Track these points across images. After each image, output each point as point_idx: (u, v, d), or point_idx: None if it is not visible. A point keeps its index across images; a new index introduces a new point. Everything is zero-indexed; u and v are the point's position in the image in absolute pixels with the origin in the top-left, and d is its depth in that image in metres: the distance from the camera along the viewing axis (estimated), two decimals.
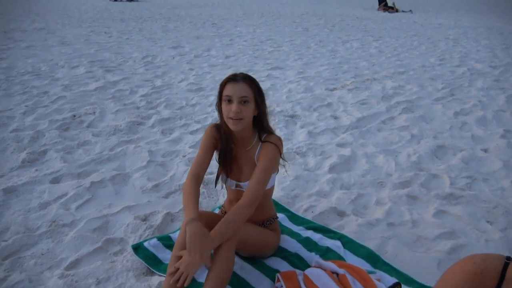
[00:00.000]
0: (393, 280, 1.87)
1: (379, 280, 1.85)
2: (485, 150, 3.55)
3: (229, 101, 1.74)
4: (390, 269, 2.01)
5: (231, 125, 1.75)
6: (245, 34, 9.98)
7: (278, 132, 3.80)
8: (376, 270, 1.99)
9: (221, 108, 1.80)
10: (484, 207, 2.64)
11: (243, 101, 1.73)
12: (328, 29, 11.46)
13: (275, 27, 11.57)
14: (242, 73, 1.80)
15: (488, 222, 2.50)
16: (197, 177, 1.79)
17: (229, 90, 1.74)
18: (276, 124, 4.01)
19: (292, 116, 4.28)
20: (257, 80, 1.86)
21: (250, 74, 1.84)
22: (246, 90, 1.73)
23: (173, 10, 15.65)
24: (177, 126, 3.96)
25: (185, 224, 1.59)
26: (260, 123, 1.87)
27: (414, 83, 5.72)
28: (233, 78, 1.76)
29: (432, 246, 2.25)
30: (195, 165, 1.83)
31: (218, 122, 1.91)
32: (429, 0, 28.34)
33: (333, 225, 2.43)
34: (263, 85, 5.16)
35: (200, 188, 1.90)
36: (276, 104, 4.63)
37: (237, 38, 9.32)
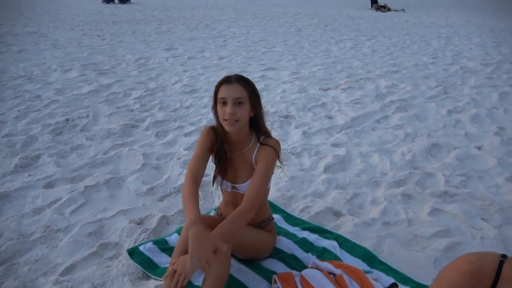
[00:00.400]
0: (390, 280, 1.87)
1: (376, 279, 1.85)
2: (479, 148, 3.57)
3: (224, 103, 1.73)
4: (387, 269, 2.01)
5: (226, 126, 1.74)
6: (238, 35, 9.97)
7: (273, 133, 3.78)
8: (373, 270, 1.99)
9: (216, 110, 1.79)
10: (479, 204, 2.65)
11: (237, 103, 1.72)
12: (321, 29, 11.49)
13: (268, 27, 11.58)
14: (236, 75, 1.79)
15: (483, 219, 2.51)
16: (195, 178, 1.74)
17: (223, 92, 1.73)
18: (271, 124, 4.00)
19: (286, 117, 4.28)
20: (251, 81, 1.85)
21: (244, 75, 1.84)
22: (240, 91, 1.72)
23: (166, 12, 15.61)
24: (172, 128, 3.94)
25: (187, 226, 1.54)
26: (256, 125, 1.86)
27: (407, 82, 5.75)
28: (227, 80, 1.74)
29: (428, 244, 2.25)
30: (192, 166, 1.79)
31: (214, 124, 1.90)
32: None
33: (329, 225, 2.42)
34: (257, 86, 5.14)
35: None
36: (271, 104, 4.63)
37: (231, 39, 9.32)
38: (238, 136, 1.83)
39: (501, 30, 11.97)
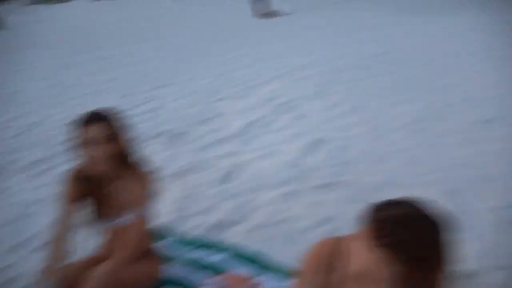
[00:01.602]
0: (279, 284, 1.98)
1: (259, 283, 1.94)
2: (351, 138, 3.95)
3: (85, 144, 1.68)
4: (275, 270, 2.11)
5: (90, 167, 1.70)
6: None
7: (162, 153, 3.75)
8: (262, 272, 2.08)
9: (77, 152, 1.72)
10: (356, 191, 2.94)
11: (97, 142, 1.68)
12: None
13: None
14: (92, 112, 1.75)
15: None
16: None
17: (82, 133, 1.68)
18: (161, 144, 3.96)
19: (176, 134, 4.24)
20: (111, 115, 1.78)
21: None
22: (99, 130, 1.68)
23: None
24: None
25: None
26: (123, 157, 1.81)
27: (290, 84, 6.06)
28: (84, 120, 1.70)
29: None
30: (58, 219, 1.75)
31: (77, 166, 1.82)
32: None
33: (223, 237, 2.47)
34: (146, 107, 5.02)
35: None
36: (162, 123, 4.56)
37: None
38: (105, 173, 1.77)
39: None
